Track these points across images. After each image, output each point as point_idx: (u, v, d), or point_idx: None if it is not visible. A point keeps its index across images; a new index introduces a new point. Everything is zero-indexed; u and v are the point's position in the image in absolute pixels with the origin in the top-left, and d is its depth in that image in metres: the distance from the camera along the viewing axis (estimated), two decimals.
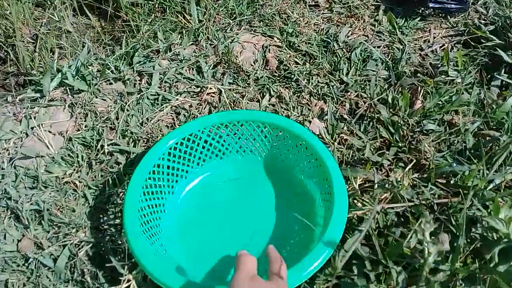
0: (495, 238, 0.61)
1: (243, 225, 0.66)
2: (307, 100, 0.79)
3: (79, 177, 0.72)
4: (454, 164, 0.68)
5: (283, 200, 0.69)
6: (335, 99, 0.78)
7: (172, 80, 0.81)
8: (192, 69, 0.83)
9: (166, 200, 0.67)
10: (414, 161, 0.69)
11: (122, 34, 0.93)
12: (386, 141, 0.73)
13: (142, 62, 0.84)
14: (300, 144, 0.67)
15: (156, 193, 0.66)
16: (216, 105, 0.78)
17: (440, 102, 0.75)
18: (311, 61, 0.84)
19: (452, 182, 0.69)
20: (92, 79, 0.82)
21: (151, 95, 0.80)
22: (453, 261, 0.59)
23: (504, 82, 0.78)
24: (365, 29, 0.90)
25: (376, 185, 0.65)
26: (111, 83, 0.82)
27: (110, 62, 0.83)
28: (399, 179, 0.65)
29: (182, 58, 0.84)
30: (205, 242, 0.65)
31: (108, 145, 0.74)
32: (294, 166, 0.70)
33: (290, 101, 0.78)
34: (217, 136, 0.70)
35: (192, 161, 0.70)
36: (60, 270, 0.64)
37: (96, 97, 0.80)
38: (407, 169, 0.67)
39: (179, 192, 0.70)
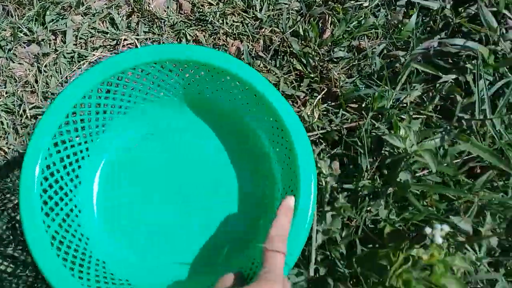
0: (397, 153, 0.66)
1: (184, 198, 0.58)
2: (223, 41, 0.80)
3: (7, 143, 0.74)
4: (362, 88, 0.72)
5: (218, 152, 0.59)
6: (250, 37, 0.80)
7: (87, 36, 0.81)
8: (106, 22, 0.82)
9: (75, 193, 0.54)
10: (325, 89, 0.73)
11: None
12: (301, 73, 0.76)
13: (55, 20, 0.83)
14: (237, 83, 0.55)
15: (57, 191, 0.51)
16: None
17: (348, 28, 0.77)
18: (224, 0, 0.84)
19: (363, 105, 0.73)
20: (7, 44, 0.80)
21: (67, 53, 0.79)
22: (357, 180, 0.64)
23: (409, 1, 0.80)
24: None
25: None
26: (26, 46, 0.81)
27: (22, 24, 0.81)
28: (309, 113, 0.69)
29: (95, 12, 0.82)
30: (142, 237, 0.56)
31: (30, 108, 0.75)
32: (226, 103, 0.59)
33: (206, 44, 0.79)
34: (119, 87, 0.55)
35: (89, 132, 0.56)
36: None
37: (13, 62, 0.80)
38: (317, 99, 0.71)
39: (88, 176, 0.57)
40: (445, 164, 0.63)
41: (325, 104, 0.72)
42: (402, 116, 0.68)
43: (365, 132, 0.64)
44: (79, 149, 0.55)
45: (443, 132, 0.66)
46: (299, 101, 0.73)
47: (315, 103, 0.69)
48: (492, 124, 0.63)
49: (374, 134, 0.66)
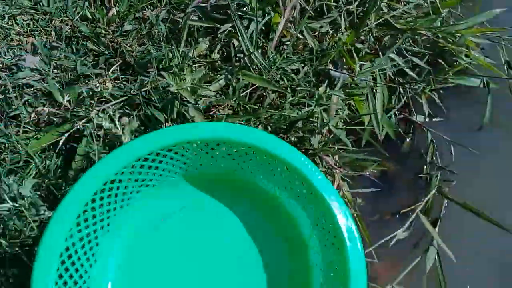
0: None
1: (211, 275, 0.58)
2: (17, 40, 0.82)
3: None
4: (153, 52, 0.78)
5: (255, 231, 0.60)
6: (43, 30, 0.82)
7: None
8: None
9: (89, 274, 0.54)
10: (121, 61, 0.78)
11: None
12: (97, 53, 0.80)
13: None
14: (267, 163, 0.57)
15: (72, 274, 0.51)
16: None
17: (132, 3, 0.83)
18: (10, 2, 0.86)
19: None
20: None
21: None
22: None
23: None
24: None
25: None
26: None
27: None
28: (101, 87, 0.73)
29: None
30: None
31: None
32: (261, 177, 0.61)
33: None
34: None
35: (113, 208, 0.56)
36: None
37: None
38: (110, 71, 0.76)
39: (104, 261, 0.56)
40: (235, 99, 0.72)
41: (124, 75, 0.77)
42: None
43: (156, 88, 0.71)
44: (99, 226, 0.55)
45: (226, 73, 0.75)
46: (100, 78, 0.78)
47: (108, 74, 0.74)
48: (256, 57, 0.73)
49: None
